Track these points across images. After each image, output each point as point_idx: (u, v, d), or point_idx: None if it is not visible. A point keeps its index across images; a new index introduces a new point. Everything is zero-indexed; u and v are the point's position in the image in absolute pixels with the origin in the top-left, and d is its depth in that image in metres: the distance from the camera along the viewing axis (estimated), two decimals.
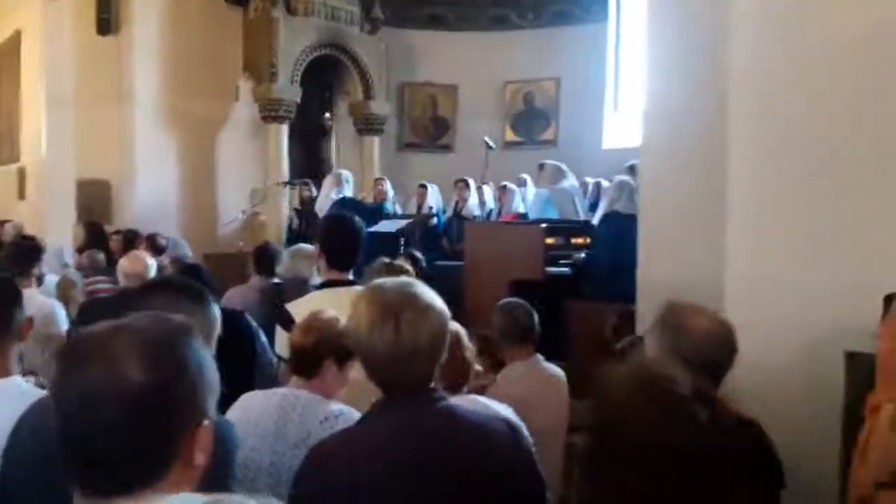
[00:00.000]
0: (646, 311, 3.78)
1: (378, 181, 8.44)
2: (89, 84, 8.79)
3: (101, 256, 6.03)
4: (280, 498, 2.06)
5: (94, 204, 8.86)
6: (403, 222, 7.49)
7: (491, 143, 7.31)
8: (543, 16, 10.96)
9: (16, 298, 1.83)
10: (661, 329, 2.03)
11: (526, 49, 10.85)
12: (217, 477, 1.19)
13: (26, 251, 4.23)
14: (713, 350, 1.87)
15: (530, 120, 11.14)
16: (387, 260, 4.15)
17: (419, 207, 8.57)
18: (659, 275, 3.76)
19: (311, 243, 4.90)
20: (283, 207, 9.51)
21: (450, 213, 8.17)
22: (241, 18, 9.65)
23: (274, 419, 2.12)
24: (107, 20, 8.87)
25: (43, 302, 3.93)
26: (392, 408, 1.55)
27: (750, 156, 3.16)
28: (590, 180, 7.67)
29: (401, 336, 1.48)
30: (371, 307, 1.53)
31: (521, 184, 7.88)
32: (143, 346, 0.95)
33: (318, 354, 2.19)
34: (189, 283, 1.93)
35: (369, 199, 8.48)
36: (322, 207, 7.48)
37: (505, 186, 7.51)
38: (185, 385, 0.98)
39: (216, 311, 1.78)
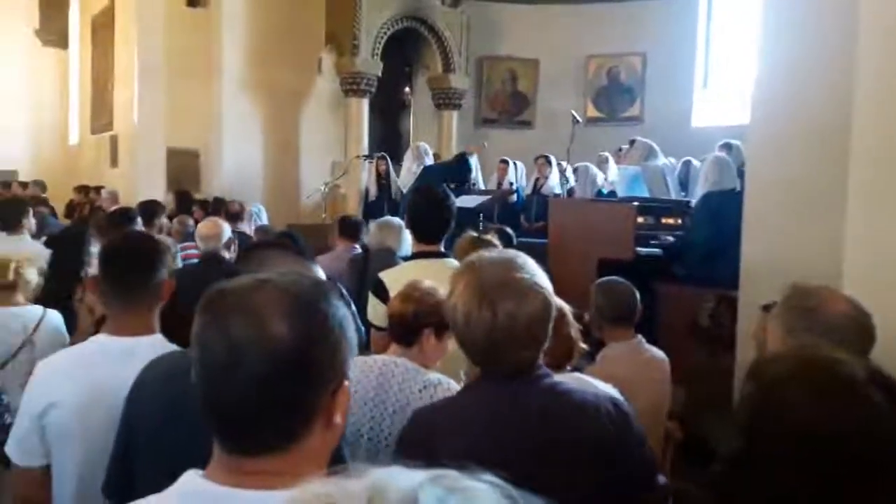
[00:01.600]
0: (749, 294, 3.61)
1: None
2: (179, 56, 9.04)
3: (191, 223, 6.19)
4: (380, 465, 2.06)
5: (182, 173, 9.15)
6: (483, 198, 7.39)
7: (578, 117, 7.12)
8: None
9: (157, 258, 1.85)
10: (790, 313, 1.89)
11: (611, 23, 10.52)
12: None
13: (125, 216, 4.37)
14: (854, 336, 1.73)
15: (614, 96, 10.84)
16: (474, 234, 4.10)
17: (499, 183, 8.48)
18: (765, 260, 3.57)
19: (389, 215, 4.93)
20: (363, 181, 9.58)
21: (529, 190, 8.03)
22: None
23: (374, 385, 2.12)
24: None
25: None
26: (494, 382, 1.50)
27: (873, 142, 2.94)
28: (670, 161, 7.38)
29: (497, 322, 1.41)
30: (468, 290, 1.46)
31: (602, 162, 7.66)
32: (287, 302, 0.92)
33: (417, 323, 2.19)
34: (294, 246, 1.94)
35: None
36: (405, 181, 7.46)
37: (580, 167, 7.31)
38: (328, 342, 0.94)
39: (321, 273, 1.76)
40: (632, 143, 7.30)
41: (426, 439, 1.49)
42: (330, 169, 9.69)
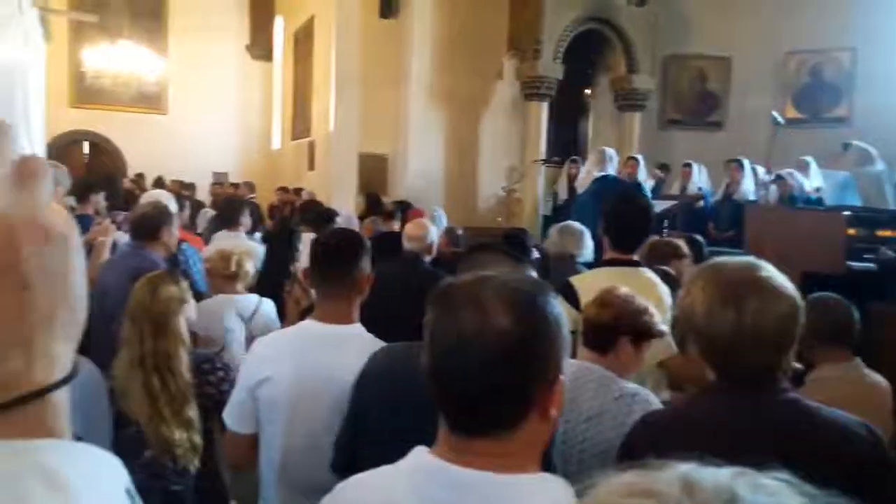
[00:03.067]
0: None
1: (629, 161, 8.07)
2: (371, 65, 9.59)
3: (380, 223, 6.53)
4: (571, 472, 2.04)
5: (372, 176, 9.70)
6: (667, 203, 7.10)
7: (780, 118, 6.59)
8: None
9: (359, 253, 2.01)
10: None
11: (814, 16, 9.67)
12: None
13: (322, 215, 4.73)
14: None
15: (817, 95, 9.94)
16: (656, 237, 3.94)
17: (683, 188, 8.11)
18: None
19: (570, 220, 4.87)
20: (539, 185, 9.57)
21: (719, 195, 7.59)
22: None
23: (567, 390, 2.10)
24: (389, 4, 9.55)
25: None
26: (732, 390, 1.41)
27: None
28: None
29: (743, 320, 1.34)
30: (710, 288, 1.41)
31: (803, 167, 7.04)
32: (508, 296, 0.99)
33: (615, 330, 2.14)
34: (508, 248, 1.99)
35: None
36: (582, 184, 7.35)
37: (783, 175, 6.75)
38: (547, 337, 1.00)
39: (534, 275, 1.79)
40: (846, 146, 6.64)
41: (654, 447, 1.46)
42: (506, 173, 9.79)
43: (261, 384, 1.89)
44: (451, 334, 0.99)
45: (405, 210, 7.15)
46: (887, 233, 4.87)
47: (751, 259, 1.48)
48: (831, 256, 4.49)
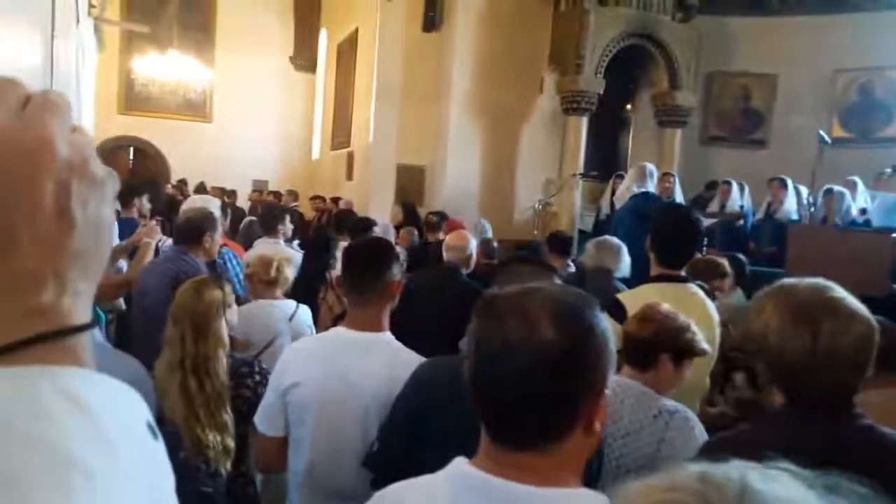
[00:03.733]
0: None
1: (665, 176, 7.94)
2: (413, 78, 9.68)
3: (416, 233, 6.57)
4: (604, 488, 2.02)
5: (409, 187, 9.76)
6: (709, 221, 6.99)
7: (826, 138, 6.46)
8: None
9: (388, 261, 2.02)
10: None
11: (863, 33, 9.47)
12: None
13: (360, 225, 4.77)
14: None
15: (866, 114, 9.70)
16: (697, 255, 3.87)
17: (722, 206, 7.97)
18: None
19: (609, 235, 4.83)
20: (576, 199, 9.51)
21: (760, 214, 7.44)
22: (551, 13, 9.82)
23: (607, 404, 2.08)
24: (432, 18, 9.64)
25: None
26: (799, 416, 1.38)
27: None
28: None
29: (819, 342, 1.32)
30: (782, 309, 1.39)
31: (852, 188, 6.87)
32: (554, 308, 0.98)
33: (656, 347, 2.12)
34: (540, 261, 1.99)
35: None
36: (621, 199, 7.27)
37: (831, 190, 6.59)
38: (593, 350, 0.99)
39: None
40: (895, 168, 6.48)
41: None
42: (542, 186, 9.76)
43: (290, 388, 1.92)
44: (496, 343, 0.99)
45: (442, 221, 7.17)
46: None
47: (820, 280, 1.45)
48: (877, 278, 4.37)
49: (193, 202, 4.29)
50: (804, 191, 7.08)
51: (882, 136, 9.57)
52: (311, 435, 1.90)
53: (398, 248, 5.54)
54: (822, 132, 6.56)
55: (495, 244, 6.09)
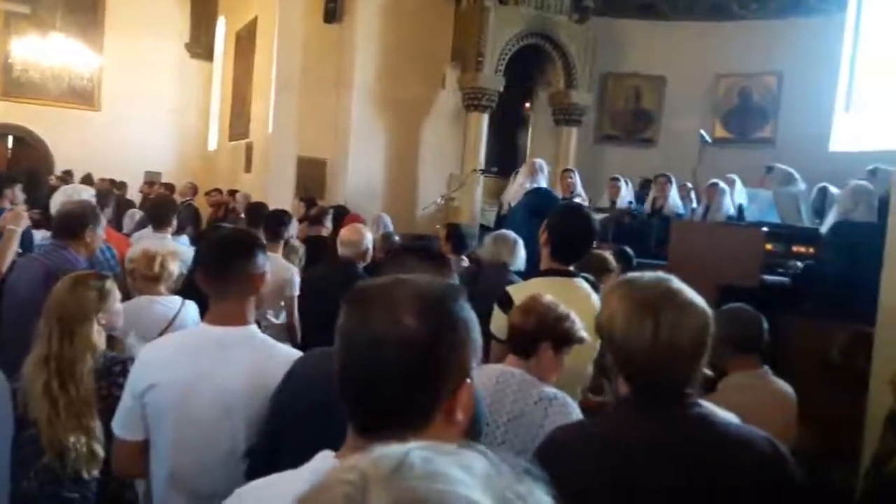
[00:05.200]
0: (888, 332, 3.36)
1: (565, 173, 8.19)
2: (313, 69, 9.52)
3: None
4: None
5: (310, 180, 9.60)
6: (598, 216, 7.26)
7: (707, 137, 6.85)
8: (769, 6, 10.11)
9: (248, 252, 1.90)
10: None
11: (745, 40, 10.09)
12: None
13: (278, 218, 4.61)
14: None
15: (745, 116, 10.37)
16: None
17: (612, 202, 8.30)
18: None
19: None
20: (477, 195, 9.66)
21: (647, 209, 7.81)
22: (453, 9, 9.92)
23: (490, 393, 2.14)
24: (333, 9, 9.51)
25: (285, 266, 4.27)
26: (642, 406, 1.45)
27: None
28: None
29: (660, 333, 1.39)
30: (626, 301, 1.44)
31: (730, 184, 7.34)
32: (419, 298, 0.99)
33: (536, 336, 2.20)
34: (434, 251, 2.01)
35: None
36: (515, 196, 7.44)
37: (716, 185, 7.02)
38: (455, 339, 1.00)
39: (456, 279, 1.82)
40: (769, 169, 6.96)
41: (564, 458, 1.47)
42: (446, 181, 9.86)
43: (148, 390, 1.83)
44: (361, 334, 0.99)
45: (342, 215, 7.10)
46: (801, 249, 5.12)
47: (661, 273, 1.51)
48: (748, 270, 4.69)
49: (65, 192, 4.06)
50: (688, 185, 7.51)
51: (759, 138, 10.24)
52: (173, 437, 1.82)
53: (298, 243, 5.42)
54: (702, 132, 6.96)
55: (396, 238, 6.10)
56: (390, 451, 0.54)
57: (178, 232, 4.77)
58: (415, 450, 0.53)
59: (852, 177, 5.35)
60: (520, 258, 4.31)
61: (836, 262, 4.36)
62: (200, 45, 14.52)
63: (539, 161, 7.62)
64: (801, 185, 6.50)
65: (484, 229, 8.69)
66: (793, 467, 1.43)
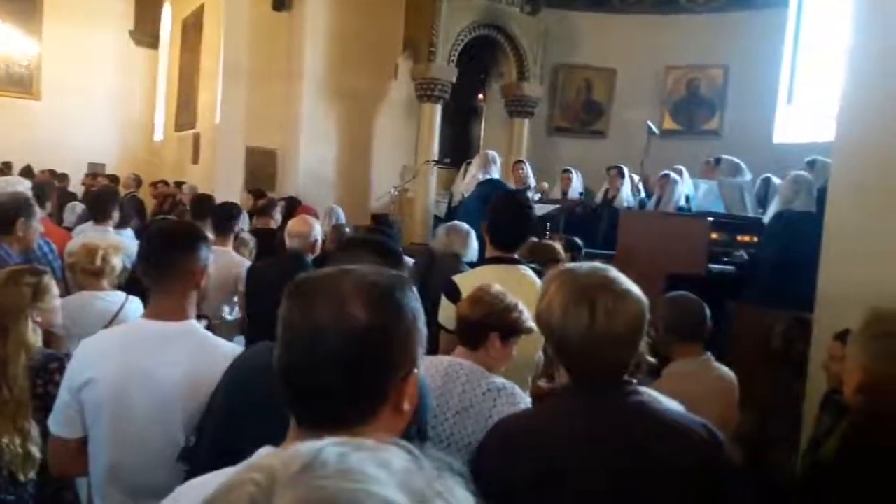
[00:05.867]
0: (825, 318, 3.47)
1: (517, 164, 8.24)
2: (262, 58, 9.33)
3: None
4: None
5: (260, 171, 9.44)
6: (550, 207, 7.34)
7: (654, 128, 6.97)
8: (717, 0, 10.31)
9: (190, 246, 1.86)
10: (870, 338, 1.82)
11: (693, 34, 10.28)
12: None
13: (227, 211, 4.50)
14: None
15: (692, 108, 10.57)
16: (534, 239, 4.06)
17: (564, 193, 8.39)
18: (844, 281, 3.42)
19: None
20: (431, 186, 9.65)
21: (599, 200, 7.92)
22: None
23: (438, 385, 2.14)
24: None
25: (237, 261, 4.18)
26: (580, 394, 1.47)
27: None
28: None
29: (596, 321, 1.41)
30: (565, 289, 1.46)
31: (678, 174, 7.48)
32: (367, 289, 0.98)
33: (484, 327, 2.20)
34: (386, 243, 1.99)
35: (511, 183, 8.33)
36: (468, 187, 7.46)
37: (667, 176, 7.15)
38: (402, 330, 0.99)
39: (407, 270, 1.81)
40: (717, 161, 7.12)
41: (509, 450, 1.49)
42: (400, 173, 9.81)
43: (85, 386, 1.78)
44: (305, 326, 0.97)
45: (294, 207, 7.01)
46: (746, 238, 5.26)
47: (598, 263, 1.55)
48: (695, 259, 4.79)
49: None
50: (635, 178, 7.63)
51: (705, 129, 10.46)
52: (111, 433, 1.78)
53: (249, 236, 5.31)
54: (650, 123, 7.07)
55: (348, 230, 6.04)
56: (303, 448, 0.51)
57: (121, 225, 4.63)
58: (329, 446, 0.51)
59: (795, 168, 5.51)
60: (472, 249, 4.31)
61: (777, 251, 4.49)
62: (145, 33, 14.10)
63: (491, 152, 7.64)
64: (748, 176, 6.68)
65: (438, 220, 8.70)
66: (728, 452, 1.48)
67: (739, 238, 5.27)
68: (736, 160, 6.99)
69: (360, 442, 0.52)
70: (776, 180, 6.06)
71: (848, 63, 3.65)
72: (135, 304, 3.14)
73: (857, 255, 3.39)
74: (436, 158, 9.51)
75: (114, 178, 10.62)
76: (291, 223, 3.97)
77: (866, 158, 3.43)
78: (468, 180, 7.68)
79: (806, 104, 9.71)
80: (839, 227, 3.52)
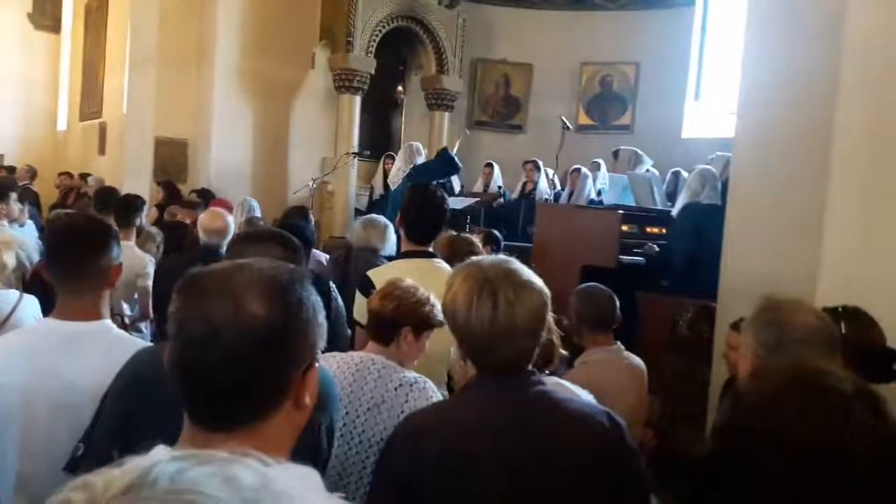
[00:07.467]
0: (728, 306, 3.63)
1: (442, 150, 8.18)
2: (171, 45, 8.96)
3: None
4: (350, 463, 2.05)
5: (171, 163, 9.07)
6: (470, 200, 7.39)
7: (568, 123, 7.13)
8: None
9: (102, 244, 1.80)
10: (761, 325, 1.91)
11: (606, 31, 10.55)
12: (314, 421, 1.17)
13: (131, 203, 4.32)
14: (824, 347, 1.74)
15: (606, 104, 10.85)
16: (453, 233, 4.09)
17: (485, 186, 8.47)
18: (745, 270, 3.60)
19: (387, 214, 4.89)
20: (352, 178, 9.53)
21: (516, 194, 8.03)
22: None
23: (349, 381, 2.12)
24: None
25: (139, 256, 4.04)
26: (486, 386, 1.48)
27: (857, 150, 2.96)
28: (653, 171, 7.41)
29: (498, 312, 1.42)
30: (468, 282, 1.48)
31: (595, 169, 7.70)
32: (263, 284, 0.96)
33: (396, 321, 2.20)
34: (287, 236, 1.95)
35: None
36: (395, 179, 7.43)
37: (578, 170, 7.32)
38: (301, 324, 0.98)
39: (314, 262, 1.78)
40: (615, 153, 7.37)
41: (416, 443, 1.49)
42: (319, 165, 9.64)
43: None
44: (199, 323, 0.93)
45: (207, 200, 6.78)
46: (655, 230, 5.45)
47: (502, 256, 1.58)
48: (607, 252, 4.93)
49: None
50: (549, 172, 7.79)
51: (618, 125, 10.77)
52: (20, 442, 1.68)
53: (156, 230, 5.11)
54: (563, 118, 7.22)
55: (262, 224, 5.89)
56: (135, 463, 0.47)
57: (15, 219, 4.37)
58: (166, 462, 0.47)
59: (702, 162, 5.75)
60: (390, 243, 4.30)
61: (684, 242, 4.68)
62: (46, 15, 13.30)
63: (416, 144, 7.62)
64: (649, 163, 6.91)
65: (359, 213, 8.61)
66: (630, 438, 1.52)
67: (649, 230, 5.46)
68: (632, 148, 7.23)
69: (209, 455, 0.49)
70: (685, 174, 6.30)
71: (746, 57, 3.83)
72: (30, 304, 2.96)
73: (757, 245, 3.57)
74: (356, 150, 9.40)
75: (11, 170, 9.99)
76: (203, 218, 3.84)
77: (762, 155, 3.61)
78: (394, 173, 7.64)
79: (712, 101, 10.15)
80: (739, 220, 3.70)
